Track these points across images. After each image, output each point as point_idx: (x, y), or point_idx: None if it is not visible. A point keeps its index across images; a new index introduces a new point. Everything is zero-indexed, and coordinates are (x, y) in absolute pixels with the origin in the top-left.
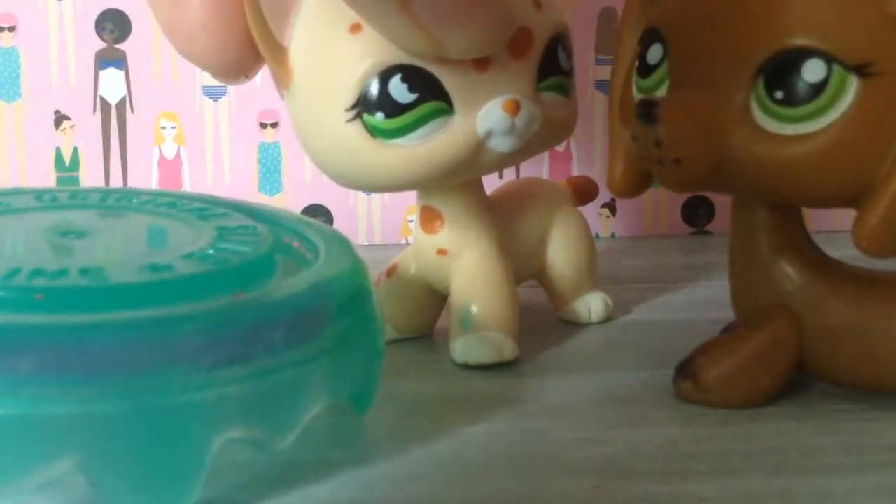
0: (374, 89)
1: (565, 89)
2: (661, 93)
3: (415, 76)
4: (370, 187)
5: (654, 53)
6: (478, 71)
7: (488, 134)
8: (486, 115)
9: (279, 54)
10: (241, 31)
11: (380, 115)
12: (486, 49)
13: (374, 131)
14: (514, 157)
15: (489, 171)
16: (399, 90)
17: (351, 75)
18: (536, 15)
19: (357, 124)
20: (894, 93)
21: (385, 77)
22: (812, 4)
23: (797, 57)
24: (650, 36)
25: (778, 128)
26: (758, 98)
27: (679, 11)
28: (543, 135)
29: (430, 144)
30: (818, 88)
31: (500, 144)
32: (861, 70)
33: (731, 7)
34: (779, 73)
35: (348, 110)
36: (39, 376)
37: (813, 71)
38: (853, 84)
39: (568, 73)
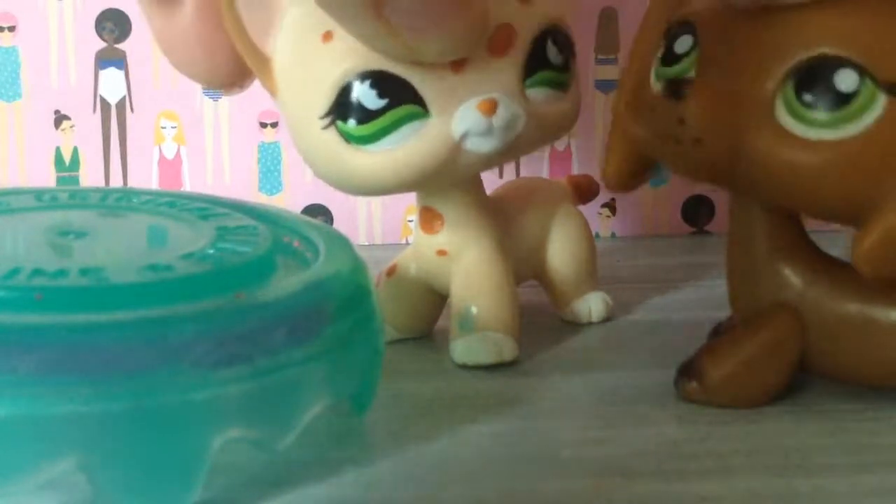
0: (345, 96)
1: (560, 84)
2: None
3: (384, 81)
4: (356, 191)
5: (683, 43)
6: (454, 72)
7: (465, 136)
8: (461, 116)
9: (263, 65)
10: (230, 51)
11: (352, 122)
12: (461, 52)
13: (348, 138)
14: (501, 157)
15: (474, 171)
16: (368, 96)
17: (322, 83)
18: (521, 10)
19: (332, 132)
20: None
21: (354, 83)
22: (853, 17)
23: (831, 64)
24: (681, 28)
25: (800, 130)
26: (784, 97)
27: (716, 7)
28: (533, 133)
29: (406, 149)
30: (847, 98)
31: (479, 146)
32: (892, 88)
33: (771, 9)
34: (811, 77)
35: (322, 118)
36: (39, 376)
37: (845, 80)
38: (881, 101)
39: (560, 68)
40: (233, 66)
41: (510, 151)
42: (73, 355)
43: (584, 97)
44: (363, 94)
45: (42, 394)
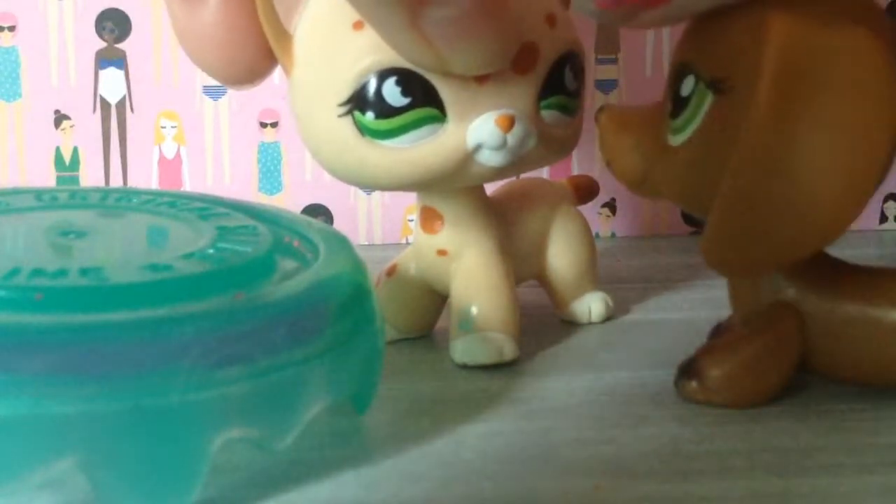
0: (368, 89)
1: (569, 109)
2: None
3: (410, 80)
4: (357, 183)
5: None
6: (477, 83)
7: (478, 147)
8: (477, 127)
9: (284, 41)
10: (253, 46)
11: (370, 115)
12: (490, 67)
13: (363, 130)
14: (506, 171)
15: (480, 182)
16: (392, 93)
17: (348, 71)
18: (547, 32)
19: (348, 120)
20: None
21: (380, 78)
22: (697, 28)
23: (680, 73)
24: None
25: (669, 139)
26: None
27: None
28: (539, 153)
29: (418, 150)
30: (686, 101)
31: (490, 159)
32: (716, 85)
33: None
34: (672, 89)
35: (341, 105)
36: (39, 376)
37: (686, 85)
38: (709, 99)
39: (573, 94)
40: (253, 63)
41: (514, 167)
42: (73, 355)
43: (584, 97)
44: (388, 89)
45: (42, 394)
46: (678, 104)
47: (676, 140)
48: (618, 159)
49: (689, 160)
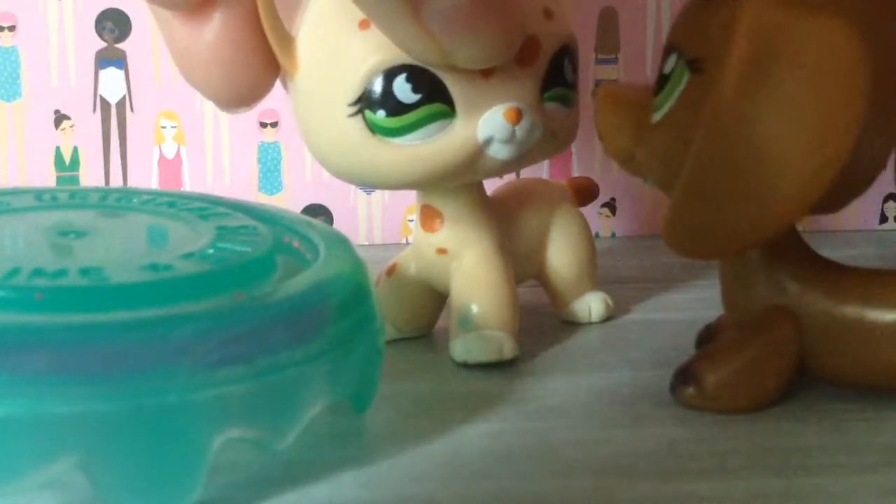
0: (378, 87)
1: (568, 101)
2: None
3: (420, 77)
4: (367, 183)
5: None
6: (483, 77)
7: (488, 141)
8: (487, 121)
9: (286, 44)
10: (257, 63)
11: (381, 113)
12: (495, 60)
13: (374, 128)
14: (512, 165)
15: (487, 176)
16: (403, 90)
17: (356, 71)
18: (546, 25)
19: (358, 120)
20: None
21: (390, 75)
22: (689, 9)
23: (667, 52)
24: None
25: (652, 117)
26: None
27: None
28: (543, 145)
29: (429, 146)
30: (667, 79)
31: (500, 152)
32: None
33: None
34: (660, 67)
35: (350, 105)
36: (39, 376)
37: (668, 63)
38: (685, 78)
39: (572, 85)
40: (256, 81)
41: (519, 161)
42: (73, 355)
43: (584, 97)
44: (398, 86)
45: (42, 394)
46: (660, 82)
47: (655, 118)
48: (607, 136)
49: (663, 138)
